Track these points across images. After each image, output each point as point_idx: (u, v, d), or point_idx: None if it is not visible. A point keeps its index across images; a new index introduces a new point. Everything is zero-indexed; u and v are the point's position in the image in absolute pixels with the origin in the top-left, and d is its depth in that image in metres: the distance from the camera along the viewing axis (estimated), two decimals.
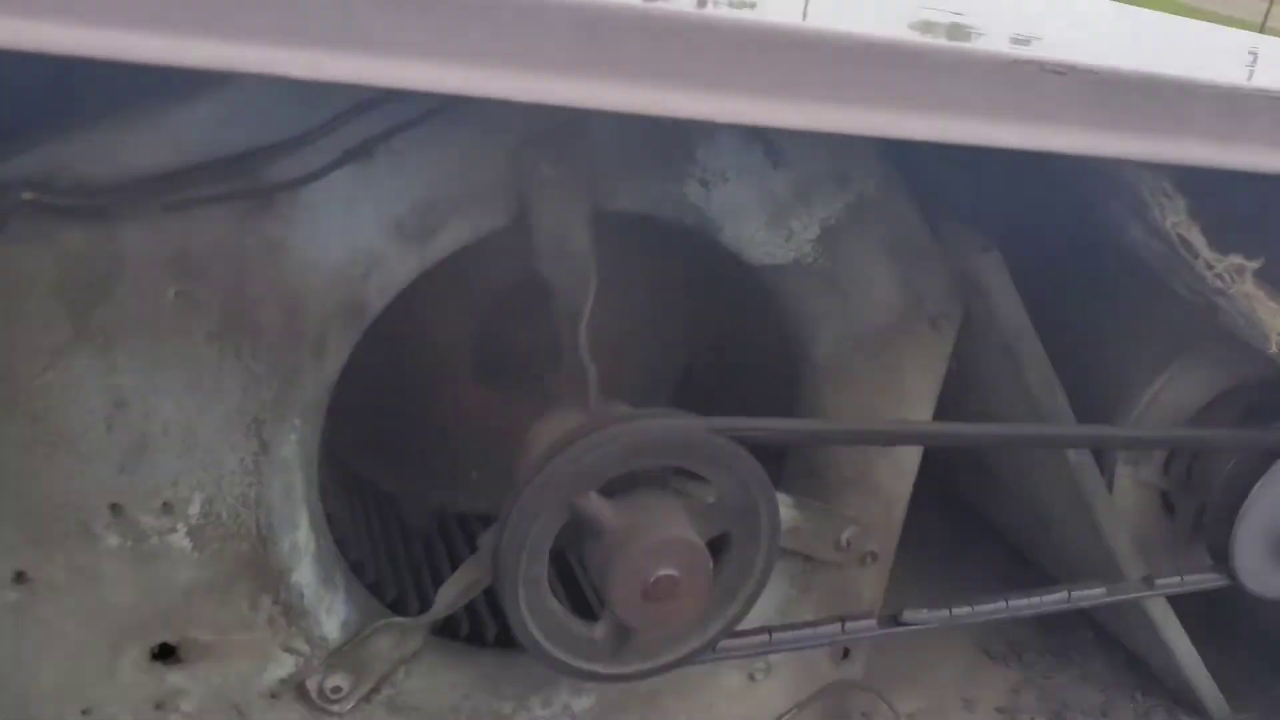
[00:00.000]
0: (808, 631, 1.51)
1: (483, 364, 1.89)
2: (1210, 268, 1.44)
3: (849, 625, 1.50)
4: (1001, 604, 1.57)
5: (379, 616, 1.53)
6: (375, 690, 1.53)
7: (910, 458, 1.68)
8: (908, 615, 1.51)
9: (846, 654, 1.80)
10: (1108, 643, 2.18)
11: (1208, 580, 1.72)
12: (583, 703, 1.67)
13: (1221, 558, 1.71)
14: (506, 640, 1.70)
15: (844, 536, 1.69)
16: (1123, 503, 1.81)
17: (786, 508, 1.64)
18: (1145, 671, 2.11)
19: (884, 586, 1.76)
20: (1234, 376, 1.78)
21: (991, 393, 1.68)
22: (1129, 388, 1.75)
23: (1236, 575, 1.71)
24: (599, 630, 1.39)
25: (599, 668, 1.40)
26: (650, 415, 1.34)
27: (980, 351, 1.64)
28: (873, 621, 1.52)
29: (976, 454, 1.95)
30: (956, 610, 1.53)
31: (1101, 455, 1.75)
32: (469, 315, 1.87)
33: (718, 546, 1.42)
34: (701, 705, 1.73)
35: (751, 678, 1.75)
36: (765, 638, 1.47)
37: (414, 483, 2.00)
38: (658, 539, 1.31)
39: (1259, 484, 1.64)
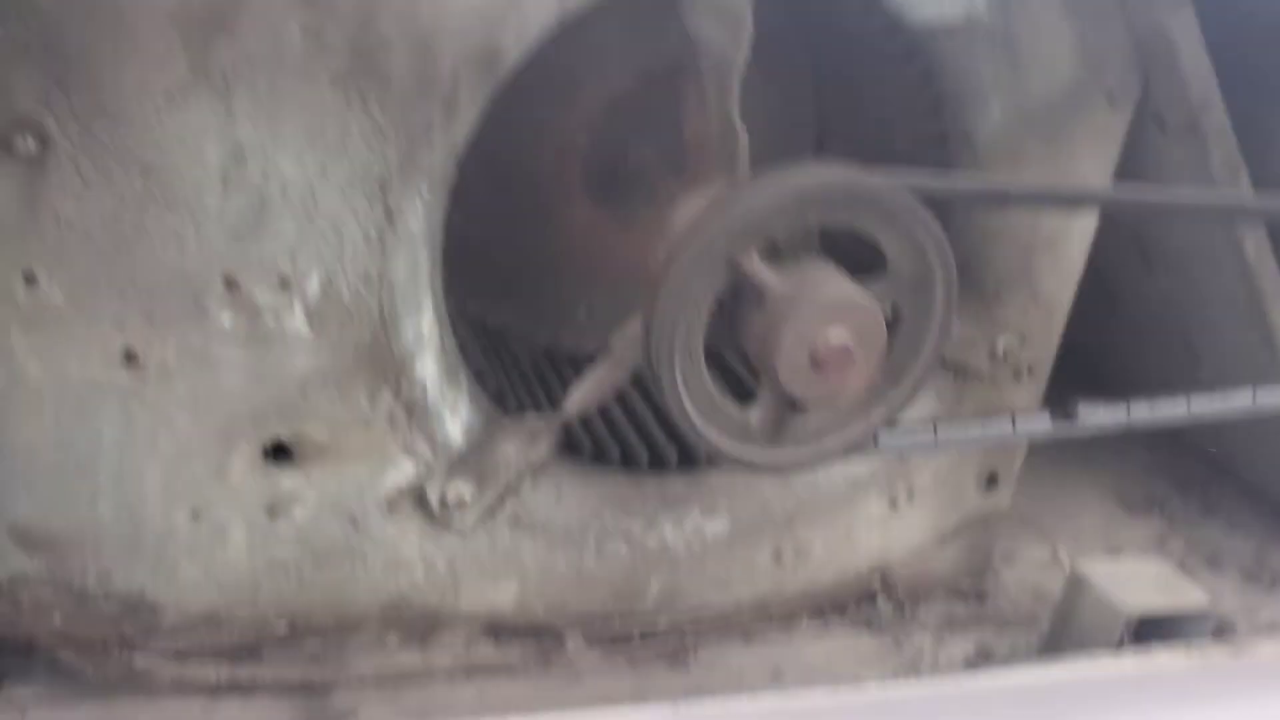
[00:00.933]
0: (975, 429, 1.36)
1: (595, 179, 1.75)
2: None
3: (1020, 425, 1.36)
4: (1183, 406, 1.42)
5: (491, 412, 1.41)
6: (499, 503, 1.41)
7: (1074, 257, 1.52)
8: (1084, 412, 1.36)
9: (994, 481, 1.66)
10: (1254, 494, 2.03)
11: None
12: (716, 525, 1.55)
13: None
14: (631, 461, 1.58)
15: (1000, 345, 1.54)
16: None
17: None
18: None
19: (1038, 405, 1.62)
20: None
21: (1162, 178, 1.51)
22: None
23: None
24: (757, 412, 1.26)
25: (756, 454, 1.26)
26: (820, 167, 1.19)
27: (1154, 136, 1.48)
28: (1046, 418, 1.37)
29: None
30: (1135, 410, 1.38)
31: None
32: (583, 122, 1.72)
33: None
34: (839, 532, 1.60)
35: (893, 504, 1.62)
36: (930, 433, 1.32)
37: (520, 318, 1.86)
38: (831, 298, 1.17)
39: None
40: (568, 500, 1.47)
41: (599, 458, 1.54)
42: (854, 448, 1.30)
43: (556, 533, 1.47)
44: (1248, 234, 1.52)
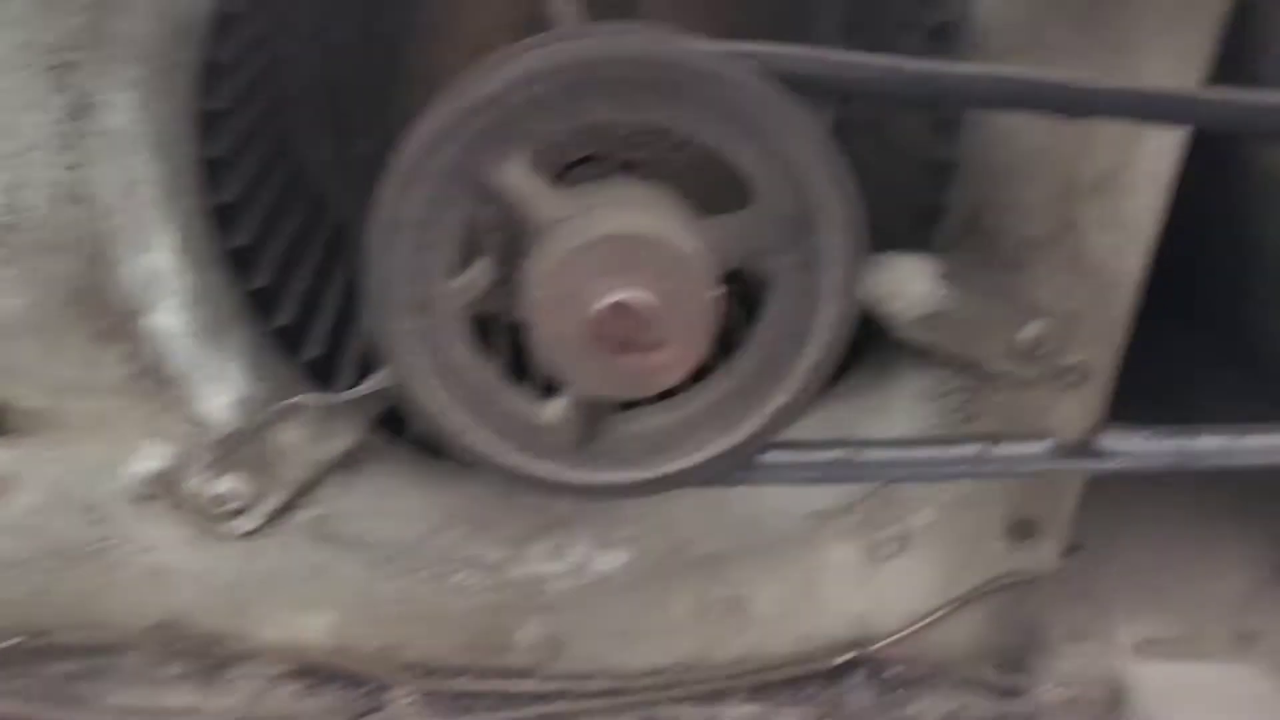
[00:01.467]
0: (925, 451, 0.89)
1: None
2: None
3: (1003, 447, 0.87)
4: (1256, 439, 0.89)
5: (296, 390, 1.06)
6: (291, 505, 1.07)
7: (1143, 202, 1.02)
8: (1109, 442, 0.86)
9: (1028, 530, 1.16)
10: None
11: None
12: (611, 560, 1.14)
13: None
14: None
15: (1024, 335, 1.05)
16: None
17: (929, 281, 1.03)
18: None
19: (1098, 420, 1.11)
20: None
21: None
22: None
23: None
24: (553, 408, 0.84)
25: (549, 468, 0.85)
26: (631, 28, 0.77)
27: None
28: (1048, 444, 0.88)
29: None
30: (1183, 442, 0.87)
31: None
32: None
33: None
34: (793, 585, 1.16)
35: (873, 554, 1.15)
36: (842, 452, 0.87)
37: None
38: (611, 229, 0.75)
39: None
40: (396, 510, 1.11)
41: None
42: (707, 473, 0.86)
43: (381, 552, 1.11)
44: None
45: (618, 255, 0.75)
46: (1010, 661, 1.22)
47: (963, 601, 1.18)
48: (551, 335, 0.76)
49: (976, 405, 1.10)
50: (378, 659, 1.15)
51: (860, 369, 1.15)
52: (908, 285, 1.03)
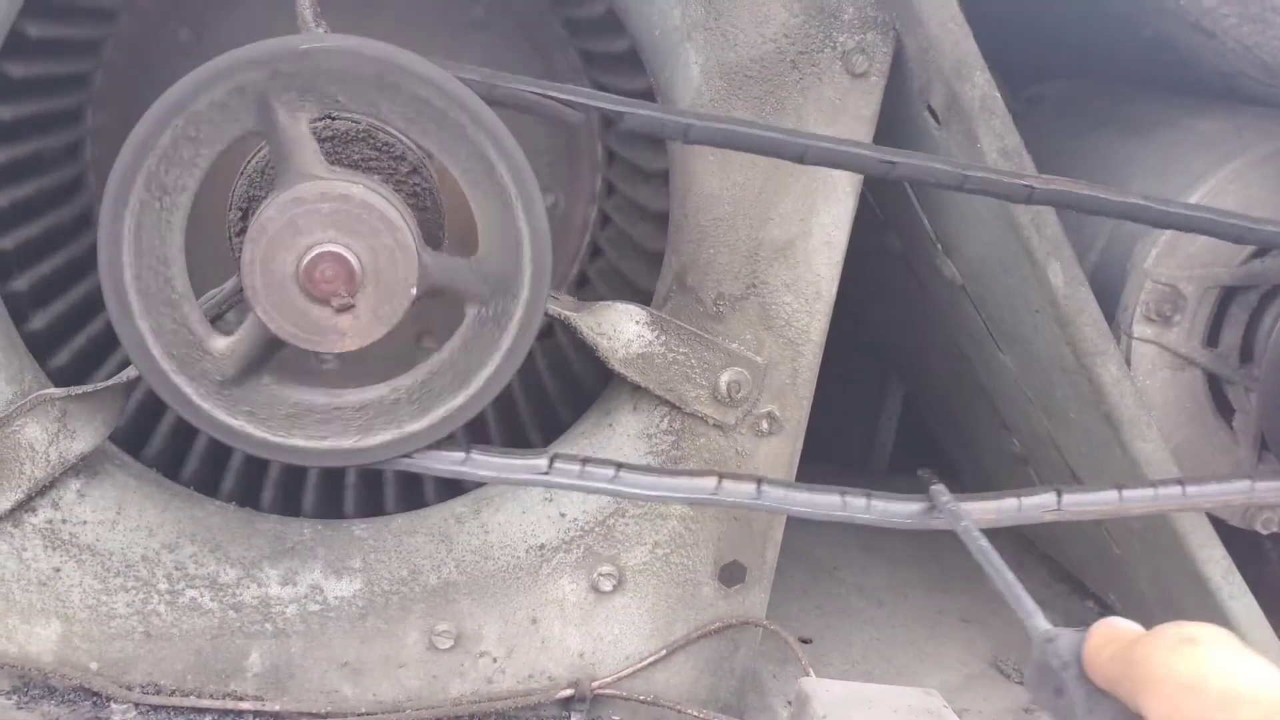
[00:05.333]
0: (639, 477, 0.97)
1: None
2: None
3: (726, 484, 0.97)
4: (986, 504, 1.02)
5: (35, 386, 1.12)
6: (28, 506, 1.11)
7: (820, 269, 1.18)
8: (765, 490, 0.98)
9: (736, 574, 1.26)
10: None
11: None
12: (344, 587, 1.20)
13: None
14: (248, 492, 1.28)
15: (724, 380, 1.19)
16: (1145, 382, 1.23)
17: (638, 324, 1.17)
18: None
19: (793, 473, 1.24)
20: None
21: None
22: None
23: None
24: (227, 341, 0.93)
25: (189, 387, 0.91)
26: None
27: (906, 105, 1.17)
28: (760, 486, 0.98)
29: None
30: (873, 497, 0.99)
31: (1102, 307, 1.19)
32: None
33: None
34: (519, 617, 1.22)
35: (595, 587, 1.24)
36: (543, 463, 0.96)
37: None
38: (353, 195, 0.87)
39: None
40: (131, 523, 1.16)
41: (207, 481, 1.24)
42: (355, 454, 0.96)
43: (113, 564, 1.15)
44: (1051, 259, 1.15)
45: (352, 219, 0.87)
46: (728, 709, 1.29)
47: (679, 646, 1.26)
48: (261, 261, 0.87)
49: (683, 447, 1.22)
50: (104, 674, 1.16)
51: (592, 411, 1.26)
52: (619, 328, 1.16)
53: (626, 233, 1.43)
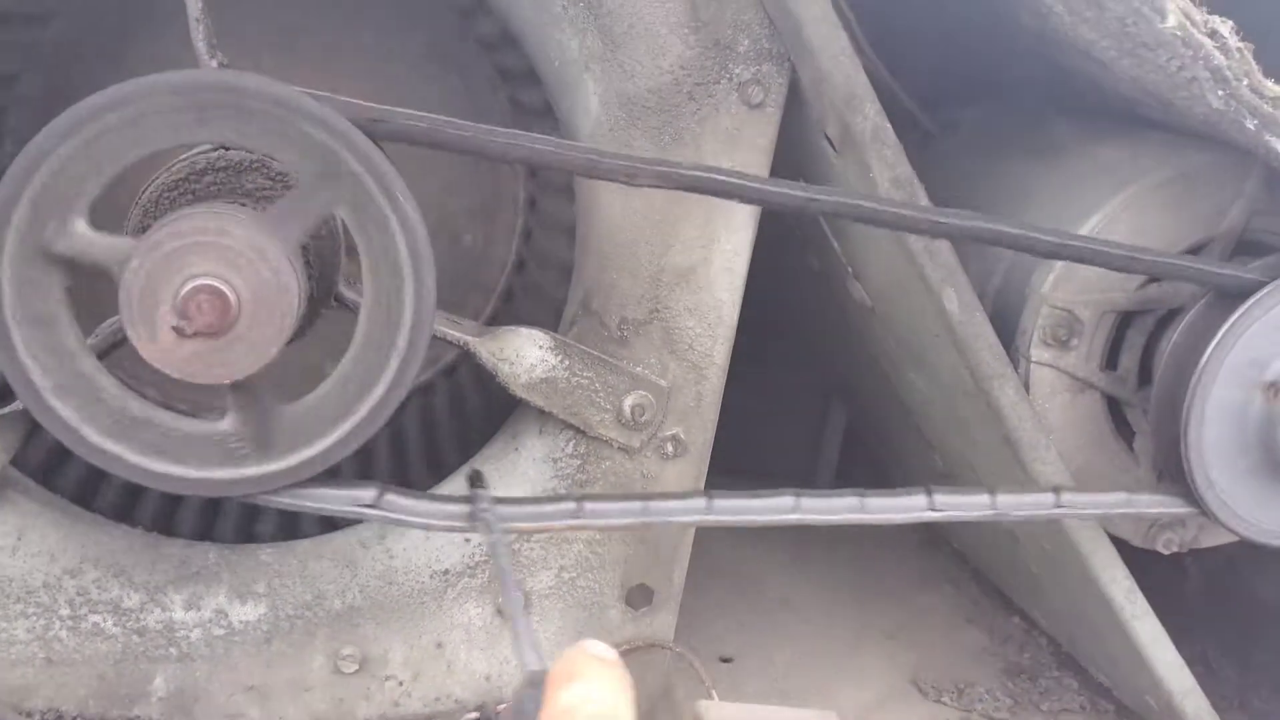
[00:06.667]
0: (538, 506, 0.99)
1: None
2: None
3: (654, 505, 0.99)
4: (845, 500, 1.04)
5: None
6: None
7: (722, 295, 1.20)
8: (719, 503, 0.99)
9: (644, 597, 1.27)
10: (1092, 686, 1.55)
11: (1162, 504, 1.14)
12: (248, 612, 1.20)
13: (1176, 470, 1.14)
14: (164, 518, 1.28)
15: (628, 403, 1.20)
16: (1044, 405, 1.25)
17: (541, 349, 1.18)
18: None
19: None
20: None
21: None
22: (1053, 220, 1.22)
23: (1202, 500, 1.13)
24: (229, 420, 0.94)
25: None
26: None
27: (808, 133, 1.18)
28: (690, 501, 1.00)
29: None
30: (773, 500, 1.01)
31: (1002, 331, 1.21)
32: None
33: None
34: (425, 641, 1.23)
35: (500, 611, 1.24)
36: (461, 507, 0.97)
37: None
38: (189, 227, 0.88)
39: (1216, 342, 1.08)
40: (33, 548, 1.16)
41: (123, 509, 1.24)
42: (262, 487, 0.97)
43: (13, 590, 1.15)
44: (945, 285, 1.17)
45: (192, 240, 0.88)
46: None
47: None
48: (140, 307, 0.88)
49: (589, 470, 1.23)
50: (4, 701, 1.16)
51: (499, 435, 1.27)
52: (521, 352, 1.17)
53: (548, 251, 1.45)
